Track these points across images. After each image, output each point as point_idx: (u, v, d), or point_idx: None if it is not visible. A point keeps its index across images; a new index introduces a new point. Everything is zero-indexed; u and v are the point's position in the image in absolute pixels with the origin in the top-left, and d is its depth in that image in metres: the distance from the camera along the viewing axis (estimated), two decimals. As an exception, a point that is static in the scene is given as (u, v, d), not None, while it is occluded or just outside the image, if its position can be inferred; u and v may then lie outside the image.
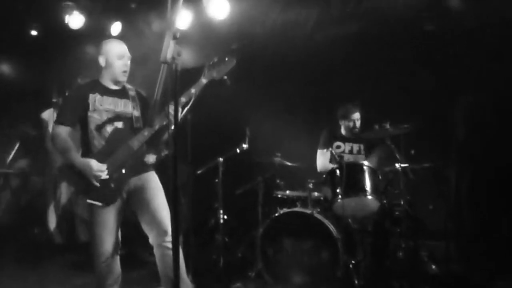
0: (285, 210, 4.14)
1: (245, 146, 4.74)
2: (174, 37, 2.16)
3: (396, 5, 4.74)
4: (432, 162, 4.34)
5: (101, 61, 3.11)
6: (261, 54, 5.43)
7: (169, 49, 2.14)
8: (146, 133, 2.96)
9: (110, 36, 5.49)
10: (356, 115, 4.67)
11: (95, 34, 5.64)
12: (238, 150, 4.79)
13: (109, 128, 3.01)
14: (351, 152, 4.71)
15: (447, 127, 4.98)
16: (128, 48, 3.19)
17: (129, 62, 3.16)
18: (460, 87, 4.79)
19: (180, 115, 2.89)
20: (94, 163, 2.87)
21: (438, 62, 4.84)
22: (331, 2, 5.00)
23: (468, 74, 4.69)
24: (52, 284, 4.29)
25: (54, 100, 5.73)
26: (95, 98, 3.03)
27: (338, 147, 4.72)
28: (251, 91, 5.43)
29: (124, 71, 3.12)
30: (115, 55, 3.09)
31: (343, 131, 4.80)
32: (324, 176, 4.32)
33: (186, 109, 2.89)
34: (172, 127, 2.27)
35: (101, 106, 3.03)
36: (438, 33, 4.86)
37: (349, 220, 4.18)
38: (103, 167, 2.88)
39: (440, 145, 4.85)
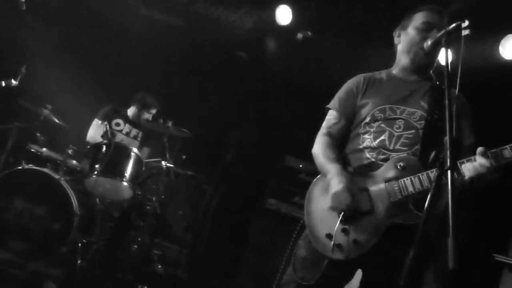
0: (31, 166, 3.73)
1: (14, 82, 4.02)
2: None
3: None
4: (196, 172, 4.48)
5: None
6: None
7: None
8: None
9: None
10: (155, 110, 4.62)
11: None
12: (3, 83, 4.05)
13: None
14: (128, 134, 4.56)
15: (221, 147, 5.29)
16: None
17: None
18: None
19: None
20: None
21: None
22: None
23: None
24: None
25: None
26: None
27: (118, 124, 4.52)
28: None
29: None
30: None
31: (130, 113, 4.62)
32: (88, 147, 4.04)
33: None
34: None
35: None
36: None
37: (97, 199, 3.99)
38: None
39: (210, 160, 5.08)
